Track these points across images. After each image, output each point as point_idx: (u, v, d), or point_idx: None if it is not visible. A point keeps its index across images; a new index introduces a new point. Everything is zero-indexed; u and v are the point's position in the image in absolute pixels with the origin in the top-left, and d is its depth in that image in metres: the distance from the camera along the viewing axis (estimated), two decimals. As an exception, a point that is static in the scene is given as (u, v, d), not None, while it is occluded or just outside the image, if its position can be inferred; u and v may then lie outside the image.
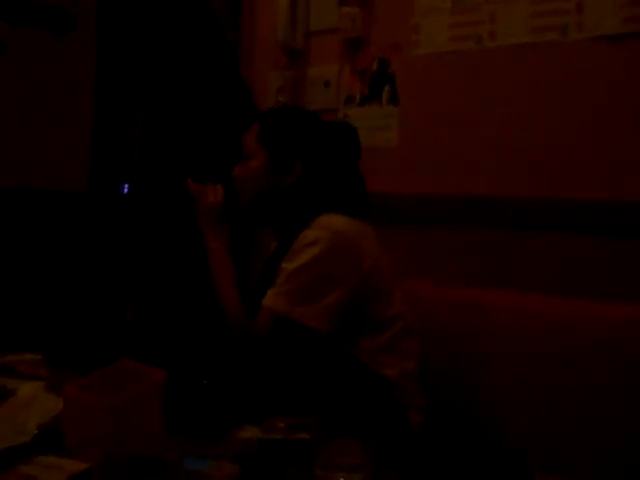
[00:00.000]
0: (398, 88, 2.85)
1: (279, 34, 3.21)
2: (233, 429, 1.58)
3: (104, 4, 4.09)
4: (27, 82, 3.91)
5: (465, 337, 2.14)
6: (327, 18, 3.09)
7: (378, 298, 1.93)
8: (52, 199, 4.01)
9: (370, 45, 2.95)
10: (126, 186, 3.86)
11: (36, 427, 1.44)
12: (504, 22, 2.55)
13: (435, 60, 2.74)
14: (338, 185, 2.04)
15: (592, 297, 2.06)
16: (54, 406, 1.52)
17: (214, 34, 3.19)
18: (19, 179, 3.86)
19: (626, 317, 1.90)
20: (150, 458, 1.33)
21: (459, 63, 2.66)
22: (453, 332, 2.18)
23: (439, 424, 1.99)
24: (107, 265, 4.22)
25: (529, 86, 2.48)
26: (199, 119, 3.19)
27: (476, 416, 2.07)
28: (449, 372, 2.13)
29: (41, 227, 3.97)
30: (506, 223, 2.49)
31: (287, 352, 1.84)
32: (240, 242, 2.14)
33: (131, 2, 3.30)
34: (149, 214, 3.87)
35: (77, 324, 4.00)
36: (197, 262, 2.08)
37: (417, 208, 2.69)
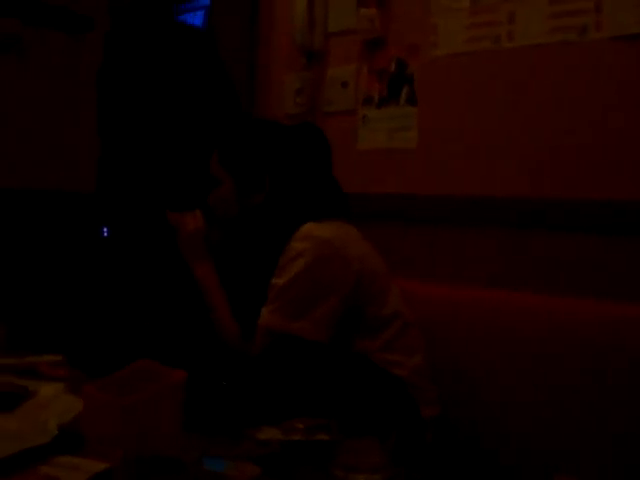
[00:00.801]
0: (416, 89, 2.84)
1: (297, 36, 3.22)
2: (252, 430, 1.57)
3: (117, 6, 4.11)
4: (43, 83, 3.94)
5: (470, 337, 2.14)
6: (345, 19, 3.09)
7: (372, 299, 1.93)
8: (71, 200, 4.03)
9: (388, 46, 2.95)
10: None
11: (56, 427, 1.45)
12: (522, 22, 2.54)
13: (453, 61, 2.73)
14: (312, 191, 2.02)
15: (598, 297, 2.06)
16: (74, 407, 1.53)
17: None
18: (36, 181, 3.89)
19: (631, 317, 1.89)
20: (169, 458, 1.33)
21: (477, 64, 2.65)
22: (459, 332, 2.17)
23: (454, 419, 1.99)
24: (126, 265, 4.23)
25: (548, 87, 2.47)
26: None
27: (480, 418, 2.07)
28: (454, 373, 2.13)
29: (61, 228, 3.99)
30: (526, 224, 2.48)
31: (289, 367, 1.83)
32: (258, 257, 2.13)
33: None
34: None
35: (97, 325, 4.01)
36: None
37: (436, 209, 2.68)
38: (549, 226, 2.43)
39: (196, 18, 4.47)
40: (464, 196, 2.65)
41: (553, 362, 1.95)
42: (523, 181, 2.51)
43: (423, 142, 2.79)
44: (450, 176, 2.72)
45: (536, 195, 2.47)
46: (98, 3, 3.64)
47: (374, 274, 1.95)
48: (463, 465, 1.95)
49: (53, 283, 3.93)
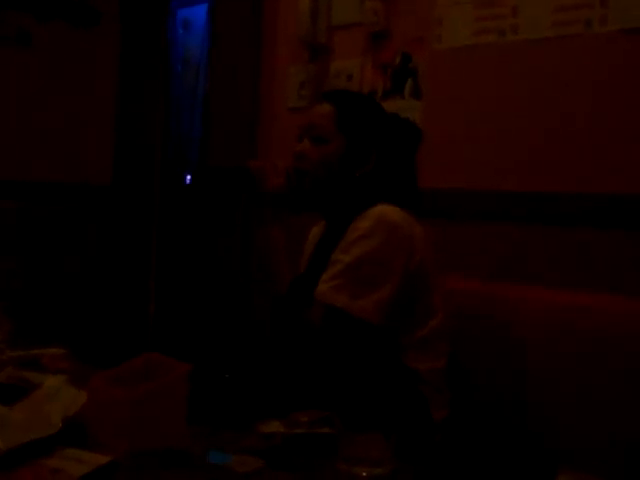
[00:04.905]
0: (421, 82, 2.84)
1: (301, 29, 3.22)
2: (257, 423, 1.58)
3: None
4: (53, 75, 3.95)
5: (491, 331, 2.13)
6: (350, 12, 3.09)
7: (421, 294, 1.92)
8: (77, 192, 4.04)
9: (392, 39, 2.95)
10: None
11: (60, 420, 1.45)
12: (527, 16, 2.54)
13: (458, 54, 2.73)
14: (399, 179, 2.02)
15: (616, 293, 2.05)
16: (78, 399, 1.53)
17: None
18: (44, 173, 3.90)
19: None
20: (174, 451, 1.34)
21: (482, 57, 2.65)
22: (479, 325, 2.17)
23: (464, 420, 1.99)
24: (131, 258, 4.24)
25: (552, 79, 2.47)
26: None
27: (502, 410, 2.06)
28: (474, 369, 2.13)
29: (64, 220, 4.00)
30: (531, 218, 2.48)
31: (341, 344, 1.82)
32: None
33: None
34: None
35: (102, 317, 4.02)
36: (220, 259, 2.07)
37: (441, 202, 2.67)
38: (554, 220, 2.43)
39: (199, 11, 4.47)
40: (468, 189, 2.65)
41: (574, 357, 1.95)
42: (528, 174, 2.51)
43: (427, 135, 2.77)
44: (454, 169, 2.71)
45: (544, 189, 2.47)
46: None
47: (429, 271, 1.94)
48: (470, 465, 1.94)
49: (60, 275, 3.94)
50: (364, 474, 1.32)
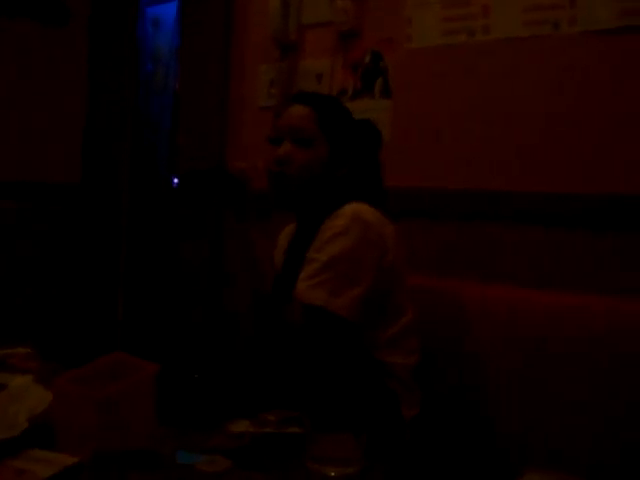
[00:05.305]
0: (391, 81, 2.84)
1: (271, 27, 3.21)
2: (225, 423, 1.57)
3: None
4: (20, 74, 3.90)
5: (462, 332, 2.14)
6: (320, 11, 3.09)
7: (393, 292, 1.93)
8: (46, 190, 4.01)
9: (363, 38, 2.94)
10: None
11: (26, 421, 1.43)
12: (497, 16, 2.54)
13: (428, 53, 2.73)
14: (368, 179, 2.06)
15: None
16: (45, 399, 1.52)
17: None
18: (12, 173, 3.86)
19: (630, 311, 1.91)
20: (142, 452, 1.33)
21: (452, 57, 2.65)
22: (449, 326, 2.18)
23: (433, 418, 1.99)
24: (99, 257, 4.21)
25: (522, 80, 2.48)
26: None
27: (470, 411, 2.07)
28: (445, 368, 2.13)
29: (34, 219, 3.97)
30: (498, 216, 2.49)
31: (321, 342, 1.82)
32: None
33: None
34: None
35: (69, 316, 3.99)
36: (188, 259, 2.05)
37: (406, 202, 2.67)
38: (519, 218, 2.45)
39: (169, 9, 4.45)
40: (437, 189, 2.66)
41: (550, 357, 1.96)
42: (496, 175, 2.52)
43: (397, 135, 2.78)
44: (423, 169, 2.72)
45: (510, 188, 2.48)
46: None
47: (401, 268, 1.95)
48: (440, 463, 1.95)
49: (26, 275, 3.91)
50: (333, 474, 1.32)
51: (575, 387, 1.90)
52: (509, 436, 1.99)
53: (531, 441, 1.94)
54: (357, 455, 1.34)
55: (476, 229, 2.54)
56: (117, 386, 1.43)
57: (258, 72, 3.33)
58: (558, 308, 2.00)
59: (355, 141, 2.04)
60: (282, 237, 2.20)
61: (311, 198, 1.99)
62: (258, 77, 3.33)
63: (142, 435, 1.44)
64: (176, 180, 4.08)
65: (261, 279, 1.91)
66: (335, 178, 1.99)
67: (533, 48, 2.45)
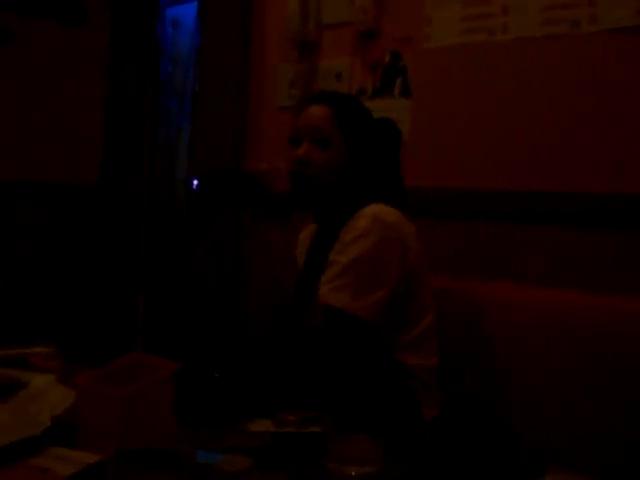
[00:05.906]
0: (410, 81, 2.84)
1: (291, 27, 3.21)
2: (246, 422, 1.58)
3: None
4: (38, 74, 3.91)
5: (479, 332, 2.14)
6: (339, 11, 3.08)
7: (415, 293, 1.92)
8: (64, 192, 4.02)
9: (382, 38, 2.94)
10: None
11: (48, 419, 1.44)
12: (516, 15, 2.54)
13: (447, 53, 2.72)
14: (388, 179, 2.05)
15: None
16: (67, 398, 1.53)
17: None
18: (31, 173, 3.87)
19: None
20: (162, 451, 1.33)
21: (471, 56, 2.65)
22: (467, 326, 2.17)
23: (454, 419, 1.99)
24: (120, 258, 4.23)
25: (541, 79, 2.47)
26: None
27: (489, 412, 2.07)
28: (464, 368, 2.13)
29: (53, 220, 3.98)
30: (519, 217, 2.48)
31: (343, 345, 1.82)
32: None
33: None
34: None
35: (90, 317, 4.01)
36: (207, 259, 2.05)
37: (429, 201, 2.67)
38: (548, 219, 2.44)
39: (189, 10, 4.46)
40: (456, 188, 2.65)
41: (567, 357, 1.95)
42: (517, 173, 2.51)
43: (416, 134, 2.78)
44: (442, 168, 2.72)
45: (530, 188, 2.47)
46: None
47: (422, 271, 1.94)
48: (460, 463, 1.95)
49: (48, 274, 3.93)
50: (353, 473, 1.32)
51: (598, 387, 1.89)
52: (528, 437, 1.98)
53: (551, 443, 1.93)
54: (377, 455, 1.35)
55: (502, 228, 2.53)
56: (138, 385, 1.44)
57: (277, 72, 3.33)
58: (582, 307, 1.99)
59: (374, 140, 2.03)
60: (303, 237, 2.20)
61: (331, 198, 1.98)
62: (277, 77, 3.33)
63: (162, 434, 1.44)
64: (195, 181, 4.07)
65: (279, 280, 1.91)
66: (355, 178, 1.98)
67: (552, 47, 2.44)
